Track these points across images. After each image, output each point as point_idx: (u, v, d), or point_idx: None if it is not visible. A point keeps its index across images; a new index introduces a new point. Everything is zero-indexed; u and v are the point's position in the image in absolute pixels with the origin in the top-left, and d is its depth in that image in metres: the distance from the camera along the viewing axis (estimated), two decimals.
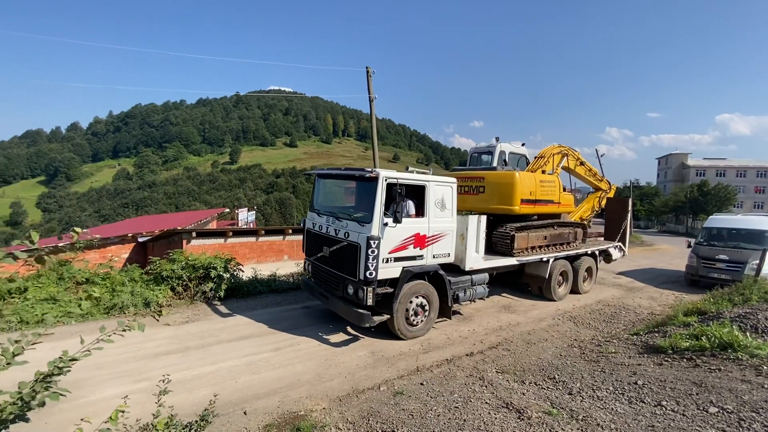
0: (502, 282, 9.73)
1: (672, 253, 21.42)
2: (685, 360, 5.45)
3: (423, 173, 6.83)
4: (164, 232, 11.70)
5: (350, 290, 6.09)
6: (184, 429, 2.63)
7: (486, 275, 7.68)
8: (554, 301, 9.35)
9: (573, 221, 10.91)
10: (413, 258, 6.35)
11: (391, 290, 6.14)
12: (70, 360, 1.99)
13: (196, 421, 2.67)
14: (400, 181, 5.98)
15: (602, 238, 12.97)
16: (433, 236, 6.56)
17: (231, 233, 11.93)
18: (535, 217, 9.60)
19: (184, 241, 10.83)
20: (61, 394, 1.93)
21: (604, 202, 12.62)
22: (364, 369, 5.45)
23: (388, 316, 6.21)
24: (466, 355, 6.10)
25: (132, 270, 8.50)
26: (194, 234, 11.10)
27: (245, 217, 30.28)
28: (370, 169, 5.99)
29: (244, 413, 4.20)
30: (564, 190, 11.03)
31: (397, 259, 6.13)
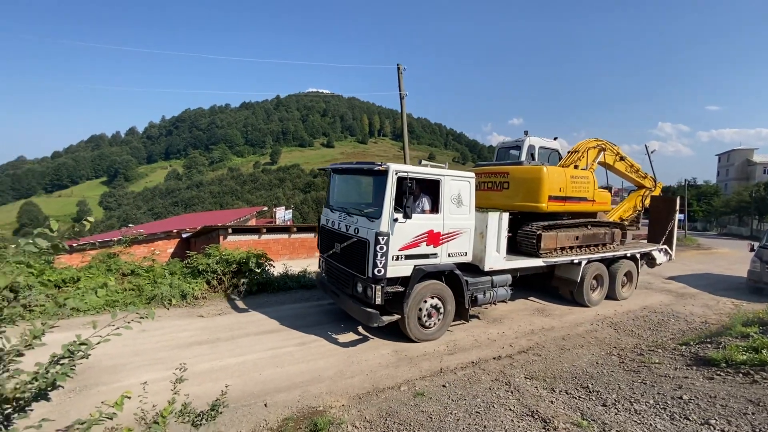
0: (529, 285, 9.24)
1: (732, 257, 19.58)
2: (740, 375, 4.92)
3: (438, 167, 6.51)
4: (204, 228, 12.26)
5: (359, 288, 5.91)
6: (196, 417, 2.68)
7: (508, 277, 7.22)
8: (587, 306, 8.71)
9: (610, 221, 10.05)
10: (426, 256, 6.07)
11: (402, 289, 5.91)
12: (81, 344, 2.07)
13: (208, 411, 2.71)
14: (411, 174, 5.71)
15: (646, 240, 11.96)
16: (448, 234, 6.25)
17: (265, 230, 12.29)
18: (571, 215, 8.97)
19: (221, 237, 11.28)
20: (68, 376, 2.01)
21: (648, 201, 11.59)
22: (386, 368, 5.38)
23: (399, 317, 5.99)
24: (494, 358, 5.86)
25: (173, 263, 8.95)
26: (230, 230, 11.54)
27: (283, 215, 31.15)
28: (380, 163, 5.78)
29: (265, 405, 4.27)
30: (608, 189, 10.25)
31: (408, 257, 5.88)
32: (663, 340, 6.89)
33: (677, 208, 11.06)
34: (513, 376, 5.18)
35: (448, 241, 6.27)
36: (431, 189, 6.29)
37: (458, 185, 6.39)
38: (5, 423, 2.08)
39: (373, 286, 5.60)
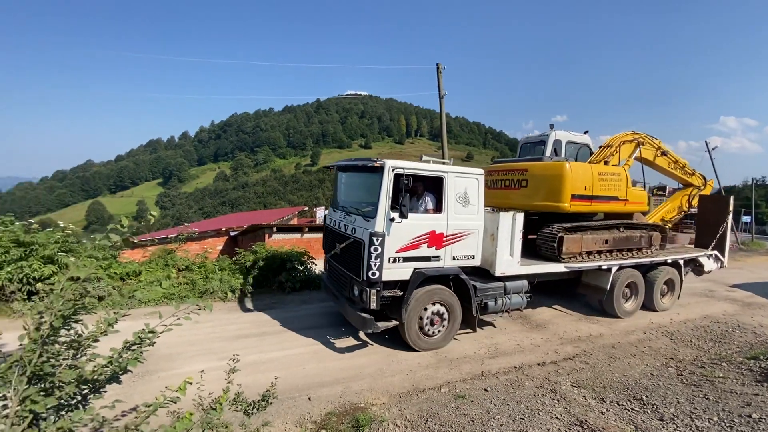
0: (553, 291, 8.76)
1: None
2: None
3: (443, 163, 6.05)
4: (250, 226, 12.80)
5: (356, 291, 5.55)
6: (248, 406, 2.81)
7: (524, 283, 6.60)
8: (618, 317, 7.88)
9: (648, 223, 8.92)
10: (427, 259, 5.65)
11: (401, 294, 5.53)
12: (149, 332, 2.23)
13: (258, 401, 2.84)
14: (407, 171, 5.28)
15: (693, 245, 10.64)
16: (452, 235, 5.80)
17: (306, 229, 12.63)
18: (602, 215, 8.16)
19: (267, 235, 11.73)
20: (139, 361, 2.18)
21: (695, 201, 10.32)
22: (425, 368, 5.34)
23: (396, 323, 5.62)
24: (537, 364, 5.65)
25: (222, 260, 9.43)
26: (275, 229, 11.96)
27: (322, 215, 31.90)
28: (376, 158, 5.44)
29: (309, 399, 4.39)
30: (662, 189, 9.46)
31: (406, 260, 5.49)
32: (727, 353, 6.31)
33: (730, 209, 9.70)
34: (559, 384, 4.97)
35: (452, 242, 5.83)
36: (435, 187, 5.86)
37: (464, 183, 5.91)
38: (83, 402, 2.29)
39: (368, 289, 5.24)
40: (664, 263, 8.58)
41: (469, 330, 6.35)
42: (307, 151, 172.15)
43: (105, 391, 2.37)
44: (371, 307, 5.28)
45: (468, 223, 5.97)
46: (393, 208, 5.31)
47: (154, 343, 2.47)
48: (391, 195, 5.31)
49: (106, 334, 2.32)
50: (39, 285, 6.70)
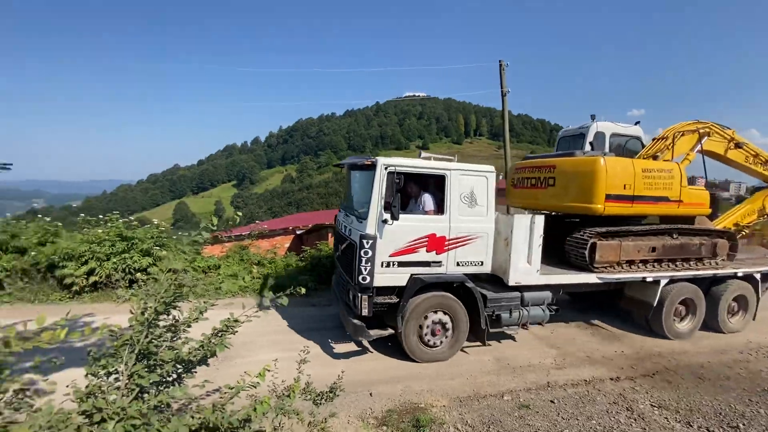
0: (592, 303, 7.94)
1: None
2: None
3: (447, 160, 5.62)
4: (314, 226, 13.38)
5: (351, 295, 5.28)
6: (317, 396, 2.94)
7: (547, 294, 5.86)
8: (668, 338, 6.70)
9: (712, 228, 7.45)
10: (426, 264, 5.22)
11: (397, 300, 5.20)
12: (234, 321, 2.44)
13: (326, 392, 2.96)
14: (398, 169, 4.90)
15: None
16: (456, 239, 5.30)
17: None
18: (657, 218, 7.07)
19: (329, 234, 12.18)
20: (226, 347, 2.39)
21: None
22: (487, 374, 5.19)
23: (392, 331, 5.30)
24: (611, 379, 5.22)
25: (289, 257, 9.99)
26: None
27: None
28: (369, 156, 5.18)
29: (370, 394, 4.48)
30: (697, 183, 7.41)
31: (402, 264, 5.11)
32: None
33: None
34: (636, 402, 4.54)
35: (455, 247, 5.32)
36: (438, 186, 5.40)
37: (471, 181, 5.37)
38: (178, 380, 2.57)
39: (360, 295, 4.96)
40: (734, 276, 7.16)
41: (479, 343, 5.79)
42: (365, 153, 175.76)
43: (196, 372, 2.64)
44: (362, 314, 5.02)
45: (475, 225, 5.42)
46: (387, 209, 4.96)
47: (236, 331, 2.71)
48: (384, 195, 4.97)
49: (197, 321, 2.58)
50: (138, 275, 7.63)
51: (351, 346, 5.82)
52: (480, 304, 5.39)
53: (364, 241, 4.88)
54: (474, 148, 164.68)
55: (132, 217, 8.89)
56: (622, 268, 6.39)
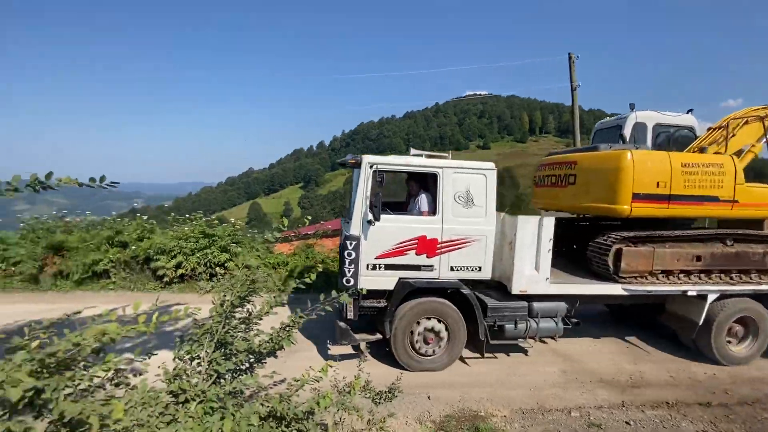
0: (629, 316, 7.00)
1: None
2: None
3: (441, 157, 5.27)
4: None
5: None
6: (376, 396, 2.98)
7: (561, 305, 5.29)
8: (721, 363, 5.60)
9: None
10: (416, 268, 4.91)
11: (385, 305, 4.96)
12: (299, 317, 2.57)
13: (385, 392, 2.98)
14: (381, 167, 4.70)
15: None
16: (449, 241, 4.92)
17: None
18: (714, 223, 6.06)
19: None
20: (292, 342, 2.52)
21: None
22: (552, 387, 4.86)
23: (380, 336, 5.06)
24: (699, 404, 4.59)
25: None
26: None
27: None
28: (357, 155, 4.98)
29: (428, 398, 4.43)
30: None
31: (389, 267, 4.85)
32: None
33: None
34: None
35: (449, 250, 4.94)
36: (432, 185, 5.06)
37: (466, 179, 4.97)
38: (250, 369, 2.76)
39: (351, 300, 4.74)
40: None
41: (478, 356, 5.32)
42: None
43: (265, 363, 2.81)
44: (348, 317, 4.85)
45: (472, 227, 4.99)
46: (370, 208, 4.73)
47: (300, 325, 2.83)
48: (369, 194, 4.74)
49: (268, 315, 2.75)
50: (218, 269, 8.35)
51: None
52: (478, 312, 4.98)
53: (348, 242, 4.77)
54: (538, 146, 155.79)
55: (213, 216, 9.78)
56: (657, 279, 5.47)
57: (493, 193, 5.06)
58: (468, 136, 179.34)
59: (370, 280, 4.86)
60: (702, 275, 5.58)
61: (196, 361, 2.54)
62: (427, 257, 4.95)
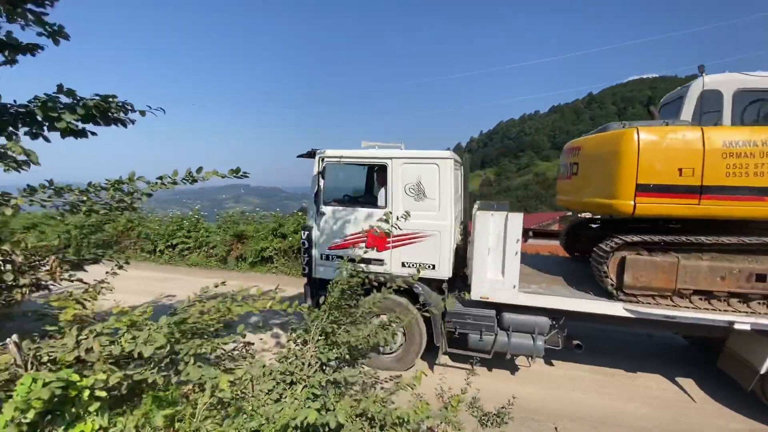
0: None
1: None
2: None
3: (394, 148, 4.87)
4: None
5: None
6: (483, 416, 2.59)
7: (543, 321, 4.34)
8: None
9: None
10: (368, 261, 4.53)
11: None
12: (396, 317, 2.41)
13: (494, 414, 2.56)
14: (327, 160, 4.76)
15: None
16: (400, 236, 4.54)
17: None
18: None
19: (523, 239, 11.17)
20: (388, 342, 2.37)
21: None
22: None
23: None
24: None
25: None
26: (531, 233, 11.22)
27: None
28: (319, 148, 4.86)
29: (555, 429, 3.70)
30: None
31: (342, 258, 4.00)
32: None
33: None
34: None
35: (400, 245, 4.60)
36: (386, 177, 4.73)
37: (417, 170, 4.59)
38: (352, 363, 2.75)
39: (307, 287, 4.97)
40: None
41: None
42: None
43: (369, 357, 2.76)
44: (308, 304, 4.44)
45: (424, 221, 4.50)
46: (327, 201, 4.84)
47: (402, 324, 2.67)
48: (323, 186, 4.79)
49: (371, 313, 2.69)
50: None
51: (534, 365, 5.03)
52: (432, 315, 4.32)
53: (303, 231, 4.94)
54: None
55: None
56: (690, 301, 3.91)
57: (448, 184, 4.52)
58: None
59: (323, 270, 4.96)
60: (766, 302, 3.80)
61: (308, 346, 2.66)
62: (378, 251, 4.73)
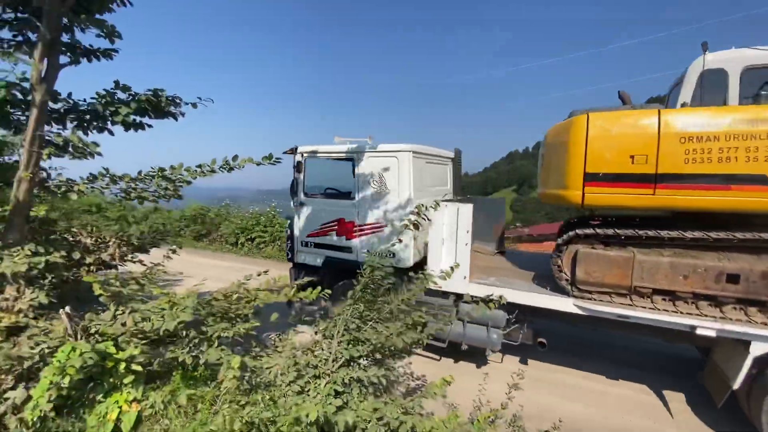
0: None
1: None
2: None
3: (366, 143, 4.86)
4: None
5: None
6: None
7: (499, 315, 4.05)
8: None
9: None
10: (340, 249, 4.94)
11: (318, 279, 4.69)
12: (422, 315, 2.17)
13: None
14: (302, 154, 5.10)
15: None
16: (365, 225, 4.73)
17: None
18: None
19: None
20: (421, 345, 2.14)
21: None
22: None
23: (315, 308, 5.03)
24: None
25: None
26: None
27: None
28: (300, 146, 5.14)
29: None
30: None
31: (318, 246, 5.13)
32: None
33: None
34: None
35: (364, 234, 4.79)
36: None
37: (379, 163, 4.69)
38: (379, 363, 2.57)
39: (292, 270, 5.29)
40: None
41: None
42: None
43: (403, 357, 2.57)
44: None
45: (386, 212, 4.74)
46: (307, 192, 5.16)
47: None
48: (301, 179, 5.13)
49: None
50: None
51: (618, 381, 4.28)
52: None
53: (287, 221, 5.25)
54: None
55: None
56: (652, 301, 3.43)
57: (407, 176, 4.54)
58: None
59: (303, 256, 5.29)
60: (741, 306, 3.24)
61: (334, 340, 2.56)
62: (346, 239, 4.96)
